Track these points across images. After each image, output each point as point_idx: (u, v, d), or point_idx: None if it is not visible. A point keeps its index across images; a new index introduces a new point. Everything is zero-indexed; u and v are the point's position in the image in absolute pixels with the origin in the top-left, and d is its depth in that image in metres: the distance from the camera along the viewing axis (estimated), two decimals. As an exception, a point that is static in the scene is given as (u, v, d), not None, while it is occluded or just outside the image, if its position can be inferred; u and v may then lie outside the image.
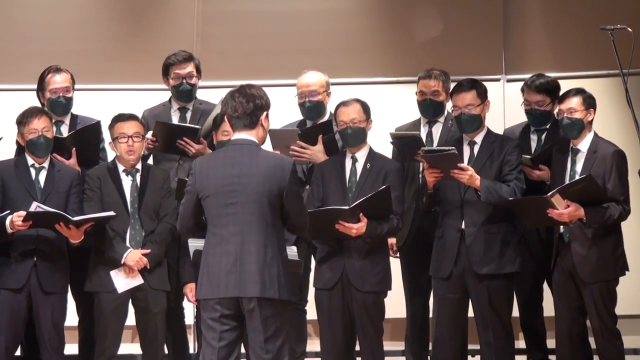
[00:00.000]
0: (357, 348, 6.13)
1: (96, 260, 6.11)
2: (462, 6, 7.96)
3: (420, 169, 6.34)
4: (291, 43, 7.93)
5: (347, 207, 5.86)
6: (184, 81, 6.57)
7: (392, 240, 6.38)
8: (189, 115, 6.65)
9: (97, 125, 6.45)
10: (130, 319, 6.20)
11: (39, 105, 6.45)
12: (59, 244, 6.06)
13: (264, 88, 5.23)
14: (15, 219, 5.85)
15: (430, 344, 6.38)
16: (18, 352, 6.28)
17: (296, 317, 6.31)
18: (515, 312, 6.40)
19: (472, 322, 6.17)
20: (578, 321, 6.02)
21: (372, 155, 6.14)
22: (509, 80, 7.86)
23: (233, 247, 5.00)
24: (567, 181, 5.95)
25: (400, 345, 6.87)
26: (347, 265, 5.99)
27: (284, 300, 5.03)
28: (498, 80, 7.84)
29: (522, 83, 6.65)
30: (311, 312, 6.42)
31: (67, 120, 6.54)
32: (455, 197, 6.09)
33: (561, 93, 6.21)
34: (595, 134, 6.06)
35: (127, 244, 6.11)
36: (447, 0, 7.99)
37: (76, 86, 6.62)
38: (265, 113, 5.15)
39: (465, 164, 6.00)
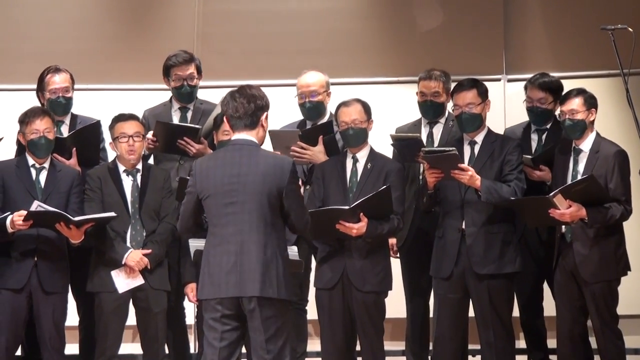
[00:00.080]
0: (358, 348, 6.13)
1: (97, 261, 6.11)
2: (462, 6, 7.96)
3: (421, 169, 6.34)
4: (291, 43, 7.93)
5: (347, 207, 5.85)
6: (185, 83, 6.57)
7: (392, 241, 6.38)
8: (189, 115, 6.65)
9: (97, 125, 6.46)
10: (131, 319, 6.19)
11: (39, 105, 6.44)
12: (59, 244, 6.06)
13: (264, 88, 5.25)
14: (15, 219, 5.85)
15: (431, 344, 6.38)
16: (19, 352, 6.28)
17: (297, 317, 6.31)
18: (516, 312, 6.40)
19: (473, 322, 6.17)
20: (579, 321, 6.02)
21: (373, 155, 6.14)
22: (509, 80, 7.86)
23: (233, 247, 5.01)
24: (569, 181, 5.95)
25: (400, 345, 6.87)
26: (347, 265, 5.99)
27: (284, 300, 5.03)
28: (499, 80, 7.84)
29: (522, 83, 6.66)
30: (312, 312, 6.41)
31: (67, 120, 6.55)
32: (456, 198, 6.09)
33: (562, 93, 6.22)
34: (598, 134, 6.06)
35: (128, 244, 6.11)
36: (447, 0, 7.99)
37: (77, 86, 6.63)
38: (265, 113, 5.16)
39: (465, 165, 6.00)
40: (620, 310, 6.02)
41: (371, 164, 6.10)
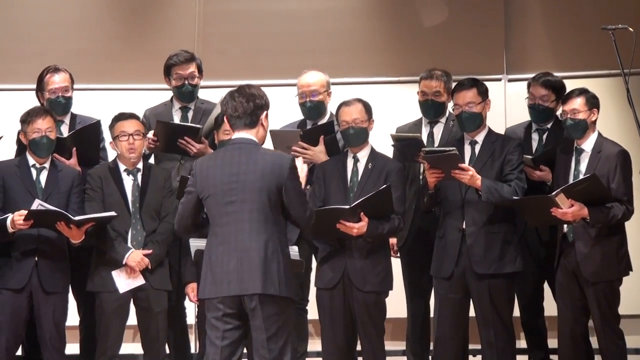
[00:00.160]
0: (359, 348, 6.13)
1: (98, 260, 6.11)
2: (463, 6, 7.96)
3: (421, 169, 6.34)
4: (292, 43, 7.93)
5: (347, 207, 5.85)
6: (186, 82, 6.57)
7: (392, 240, 6.38)
8: (190, 114, 6.65)
9: (97, 124, 6.45)
10: (132, 319, 6.19)
11: (41, 105, 6.45)
12: (60, 243, 6.06)
13: (264, 88, 5.25)
14: (16, 218, 5.85)
15: (432, 344, 6.37)
16: (19, 352, 6.28)
17: (297, 317, 6.30)
18: (516, 312, 6.40)
19: (474, 322, 6.17)
20: (581, 321, 6.02)
21: (374, 155, 6.14)
22: (510, 80, 7.87)
23: (234, 246, 5.01)
24: (570, 181, 5.95)
25: (401, 345, 6.88)
26: (348, 265, 5.99)
27: (286, 298, 5.04)
28: (499, 80, 7.84)
29: (523, 83, 6.67)
30: (312, 312, 6.41)
31: (67, 120, 6.54)
32: (456, 197, 6.09)
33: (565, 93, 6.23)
34: (600, 134, 6.06)
35: (129, 244, 6.11)
36: (448, 0, 7.99)
37: (77, 86, 6.63)
38: (265, 112, 5.17)
39: (466, 164, 6.00)
40: (622, 310, 6.02)
41: (372, 163, 6.10)
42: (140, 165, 6.23)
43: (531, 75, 6.62)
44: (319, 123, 6.48)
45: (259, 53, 7.92)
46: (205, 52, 7.57)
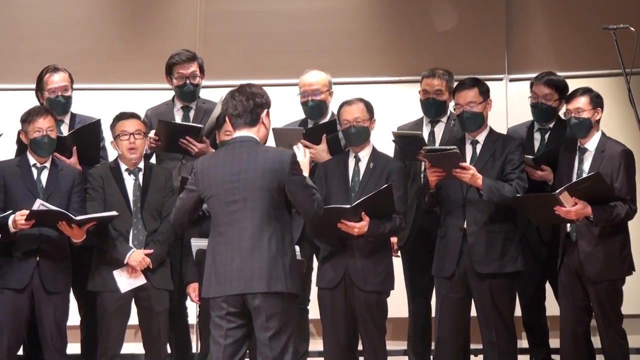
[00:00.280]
0: (360, 347, 6.13)
1: (99, 260, 6.11)
2: (465, 6, 7.96)
3: (422, 168, 6.34)
4: (293, 43, 7.93)
5: (348, 206, 5.85)
6: (188, 81, 6.57)
7: (393, 239, 6.38)
8: (192, 114, 6.64)
9: (97, 123, 6.46)
10: (133, 319, 6.19)
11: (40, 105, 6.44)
12: (61, 243, 6.05)
13: (266, 88, 5.26)
14: (18, 218, 5.85)
15: (433, 344, 6.37)
16: (20, 352, 6.28)
17: (299, 317, 6.30)
18: (518, 312, 6.39)
19: (475, 322, 6.16)
20: (583, 321, 6.02)
21: (375, 154, 6.14)
22: (511, 80, 7.86)
23: (237, 245, 5.02)
24: (574, 180, 5.94)
25: (402, 345, 6.87)
26: (349, 265, 5.99)
27: (292, 294, 5.04)
28: (501, 79, 7.84)
29: (524, 83, 6.67)
30: (314, 312, 6.41)
31: (67, 119, 6.54)
32: (458, 196, 6.09)
33: (567, 93, 6.22)
34: (603, 133, 6.06)
35: (130, 243, 6.11)
36: (450, 0, 7.99)
37: (79, 86, 6.63)
38: (265, 111, 5.16)
39: (467, 163, 6.00)
40: (624, 309, 6.02)
41: (373, 163, 6.10)
42: (141, 165, 6.24)
43: (533, 75, 6.62)
44: (321, 122, 6.48)
45: (260, 53, 7.92)
46: (206, 51, 7.56)
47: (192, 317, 6.68)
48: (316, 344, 6.66)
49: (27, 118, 6.09)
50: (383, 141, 6.38)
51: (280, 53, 7.90)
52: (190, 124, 6.52)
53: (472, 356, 6.59)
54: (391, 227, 5.96)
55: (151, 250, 6.09)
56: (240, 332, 5.04)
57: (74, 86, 6.53)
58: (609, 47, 6.12)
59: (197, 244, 5.68)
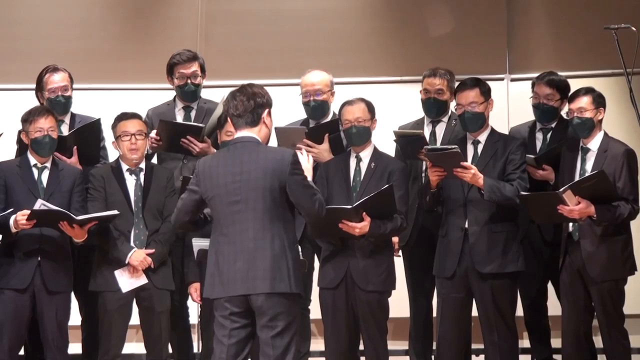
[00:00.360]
0: (361, 347, 6.13)
1: (100, 260, 6.11)
2: (466, 6, 7.96)
3: (424, 167, 6.34)
4: (295, 43, 7.93)
5: (350, 207, 5.85)
6: (189, 81, 6.56)
7: (394, 239, 6.37)
8: (193, 114, 6.64)
9: (97, 123, 6.45)
10: (134, 319, 6.19)
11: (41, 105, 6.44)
12: (62, 243, 6.05)
13: (267, 88, 5.25)
14: (19, 218, 5.84)
15: (434, 344, 6.37)
16: (21, 352, 6.28)
17: (300, 317, 6.30)
18: (519, 312, 6.39)
19: (476, 322, 6.16)
20: (585, 320, 6.02)
21: (377, 154, 6.14)
22: (512, 80, 7.86)
23: (240, 246, 5.01)
24: (576, 179, 5.94)
25: (404, 345, 6.87)
26: (351, 265, 5.99)
27: (295, 294, 5.04)
28: (502, 79, 7.84)
29: (526, 83, 6.66)
30: (315, 312, 6.41)
31: (67, 119, 6.53)
32: (459, 196, 6.09)
33: (569, 94, 6.22)
34: (606, 133, 6.06)
35: (131, 243, 6.10)
36: (451, 0, 7.99)
37: (80, 86, 6.63)
38: (267, 110, 5.16)
39: (468, 163, 6.00)
40: (626, 309, 6.03)
41: (375, 163, 6.10)
42: (142, 165, 6.23)
43: (534, 75, 6.63)
44: (323, 122, 6.48)
45: (261, 53, 7.92)
46: (208, 51, 7.57)
47: (194, 317, 6.68)
48: (317, 344, 6.67)
49: (28, 118, 6.08)
50: (384, 141, 6.38)
51: (281, 53, 7.90)
52: (192, 123, 6.52)
53: (473, 356, 6.59)
54: (392, 227, 5.96)
55: (152, 250, 6.09)
56: (244, 332, 5.04)
57: (74, 86, 6.53)
58: (610, 47, 6.12)
59: (199, 243, 5.68)
